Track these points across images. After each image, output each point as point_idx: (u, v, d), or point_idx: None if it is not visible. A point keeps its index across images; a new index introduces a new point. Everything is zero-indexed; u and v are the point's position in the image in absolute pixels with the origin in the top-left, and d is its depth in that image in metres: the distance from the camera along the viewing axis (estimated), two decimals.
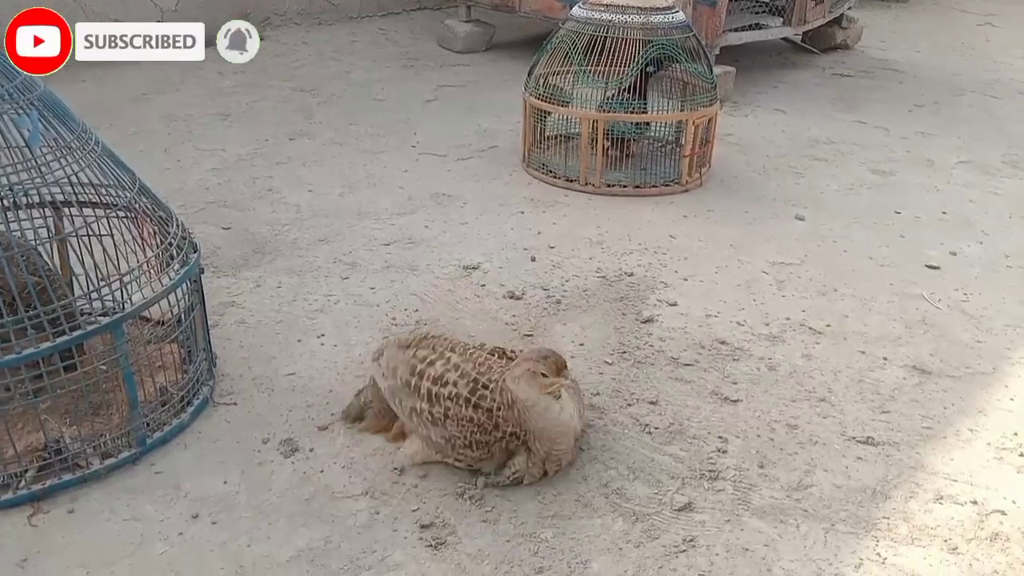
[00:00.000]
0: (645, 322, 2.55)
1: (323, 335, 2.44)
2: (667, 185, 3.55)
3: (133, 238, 2.00)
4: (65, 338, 1.76)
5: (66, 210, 2.00)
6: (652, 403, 2.17)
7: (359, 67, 5.36)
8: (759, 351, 2.43)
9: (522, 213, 3.32)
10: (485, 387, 1.82)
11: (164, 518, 1.77)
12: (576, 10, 3.58)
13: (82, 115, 2.03)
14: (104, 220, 1.99)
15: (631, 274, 2.84)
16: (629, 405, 2.17)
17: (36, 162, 1.78)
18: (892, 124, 4.57)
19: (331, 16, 6.40)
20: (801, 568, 1.69)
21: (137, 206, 2.00)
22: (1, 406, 1.87)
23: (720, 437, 2.06)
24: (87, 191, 1.98)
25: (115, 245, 1.97)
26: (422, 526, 1.76)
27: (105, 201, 2.01)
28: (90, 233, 1.95)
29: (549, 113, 3.63)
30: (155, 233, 2.01)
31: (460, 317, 2.55)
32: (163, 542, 1.71)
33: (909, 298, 2.76)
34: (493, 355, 1.92)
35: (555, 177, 3.60)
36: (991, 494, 1.90)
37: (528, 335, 2.47)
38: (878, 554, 1.73)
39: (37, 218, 2.01)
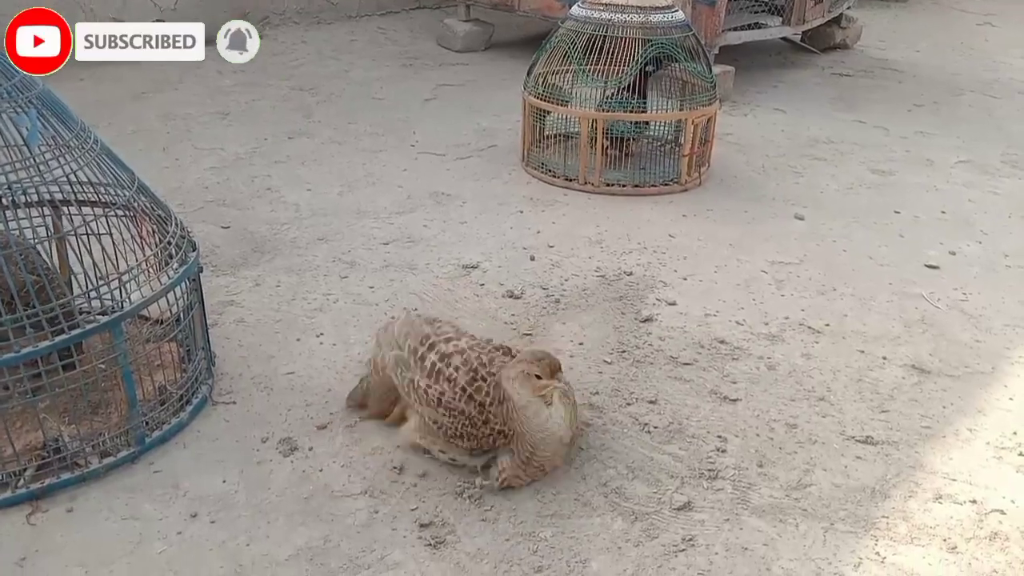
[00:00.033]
0: (644, 321, 2.55)
1: (322, 334, 2.44)
2: (666, 184, 3.55)
3: (132, 237, 1.99)
4: (64, 337, 1.76)
5: (65, 209, 2.00)
6: (651, 402, 2.17)
7: (358, 66, 5.36)
8: (758, 350, 2.43)
9: (521, 212, 3.32)
10: (484, 379, 1.83)
11: (163, 517, 1.77)
12: (575, 9, 3.58)
13: (81, 114, 2.03)
14: (103, 219, 1.98)
15: (630, 273, 2.84)
16: (628, 404, 2.17)
17: (35, 160, 1.78)
18: (891, 124, 4.58)
19: (330, 15, 6.40)
20: (800, 567, 1.69)
21: (136, 205, 2.00)
22: (0, 405, 1.86)
23: (719, 436, 2.06)
24: (86, 190, 1.97)
25: (114, 244, 1.97)
26: (421, 525, 1.76)
27: (104, 200, 2.00)
28: (89, 232, 1.95)
29: (548, 112, 3.63)
30: (154, 232, 2.01)
31: (459, 316, 2.55)
32: (162, 541, 1.71)
33: (908, 297, 2.76)
34: (498, 351, 1.92)
35: (554, 176, 3.60)
36: (990, 493, 1.90)
37: (527, 334, 2.46)
38: (877, 553, 1.73)
39: (36, 217, 2.01)
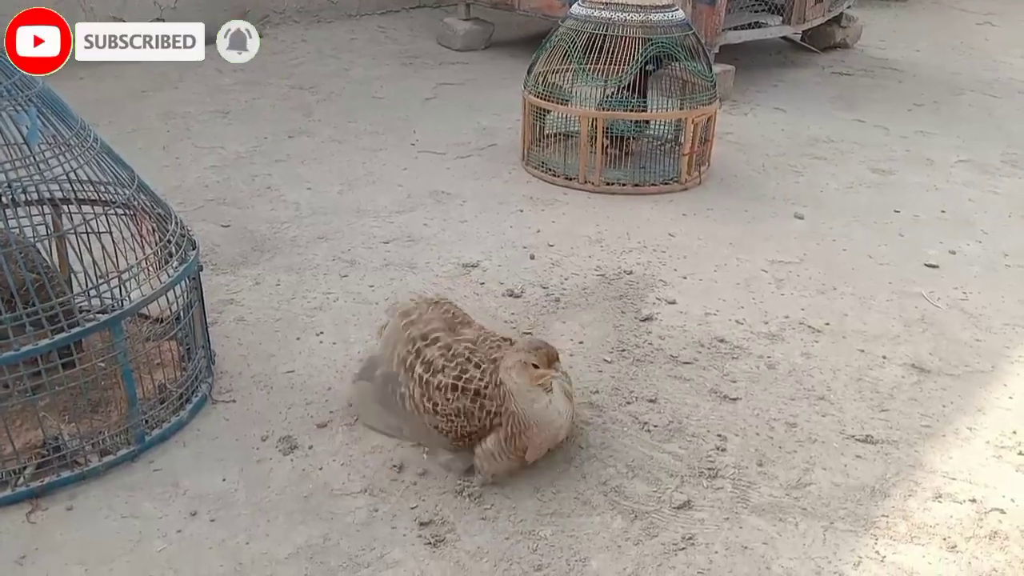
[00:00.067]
0: (644, 320, 2.55)
1: (322, 333, 2.44)
2: (666, 183, 3.55)
3: (132, 235, 1.99)
4: (63, 335, 1.76)
5: (65, 207, 2.00)
6: (651, 401, 2.17)
7: (358, 65, 5.36)
8: (758, 349, 2.43)
9: (521, 211, 3.32)
10: (477, 366, 1.84)
11: (163, 515, 1.77)
12: (575, 8, 3.58)
13: (80, 112, 2.03)
14: (103, 217, 1.98)
15: (630, 272, 2.84)
16: (628, 403, 2.17)
17: (35, 159, 1.78)
18: (891, 123, 4.58)
19: (330, 14, 6.40)
20: (800, 566, 1.69)
21: (136, 203, 2.00)
22: (0, 403, 1.86)
23: (719, 435, 2.06)
24: (86, 188, 1.97)
25: (114, 242, 1.97)
26: (421, 523, 1.76)
27: (104, 198, 2.00)
28: (89, 230, 1.95)
29: (548, 111, 3.63)
30: (154, 230, 2.01)
31: None
32: (162, 539, 1.71)
33: (908, 297, 2.76)
34: (504, 340, 1.94)
35: (554, 175, 3.60)
36: (990, 492, 1.90)
37: (527, 333, 2.46)
38: (877, 552, 1.73)
39: (36, 215, 2.01)
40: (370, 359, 2.11)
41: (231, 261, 2.84)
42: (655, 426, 2.08)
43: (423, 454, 1.94)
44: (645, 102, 3.52)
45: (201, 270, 2.14)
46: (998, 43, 6.62)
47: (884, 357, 2.42)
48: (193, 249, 2.08)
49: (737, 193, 3.56)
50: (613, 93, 3.50)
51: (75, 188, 1.94)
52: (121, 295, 1.93)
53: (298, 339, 2.40)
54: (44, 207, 1.99)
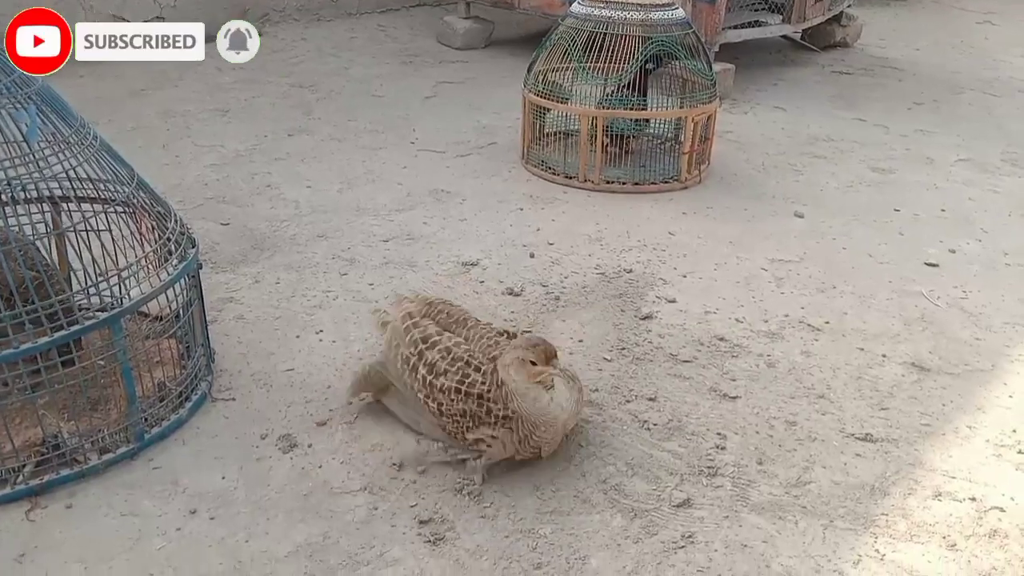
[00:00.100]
0: (644, 319, 2.55)
1: (321, 331, 2.44)
2: (666, 182, 3.55)
3: (131, 233, 1.99)
4: (63, 333, 1.76)
5: (64, 205, 2.00)
6: (651, 399, 2.17)
7: (358, 63, 5.35)
8: (758, 348, 2.43)
9: (521, 210, 3.31)
10: (476, 369, 1.84)
11: (162, 513, 1.76)
12: (575, 6, 3.57)
13: (80, 110, 2.03)
14: (102, 215, 1.98)
15: (630, 271, 2.84)
16: (628, 401, 2.17)
17: (34, 157, 1.78)
18: (891, 122, 4.58)
19: (330, 12, 6.39)
20: (799, 564, 1.69)
21: (135, 201, 2.00)
22: None
23: (719, 433, 2.06)
24: (85, 186, 1.97)
25: (113, 240, 1.97)
26: (420, 522, 1.76)
27: (103, 196, 2.00)
28: (88, 228, 1.95)
29: (548, 110, 3.63)
30: (153, 228, 2.01)
31: None
32: (161, 537, 1.71)
33: (908, 295, 2.76)
34: (502, 335, 1.95)
35: (554, 174, 3.60)
36: (989, 491, 1.90)
37: (527, 332, 2.46)
38: (876, 550, 1.73)
39: (35, 213, 2.00)
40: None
41: (231, 259, 2.84)
42: (655, 424, 2.08)
43: (442, 449, 1.94)
44: (645, 101, 3.52)
45: (200, 268, 2.14)
46: (998, 42, 6.62)
47: (884, 356, 2.41)
48: (192, 247, 2.08)
49: (737, 192, 3.56)
50: (613, 91, 3.50)
51: (74, 186, 1.94)
52: (120, 293, 1.92)
53: (298, 337, 2.40)
54: (43, 205, 1.99)
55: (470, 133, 4.14)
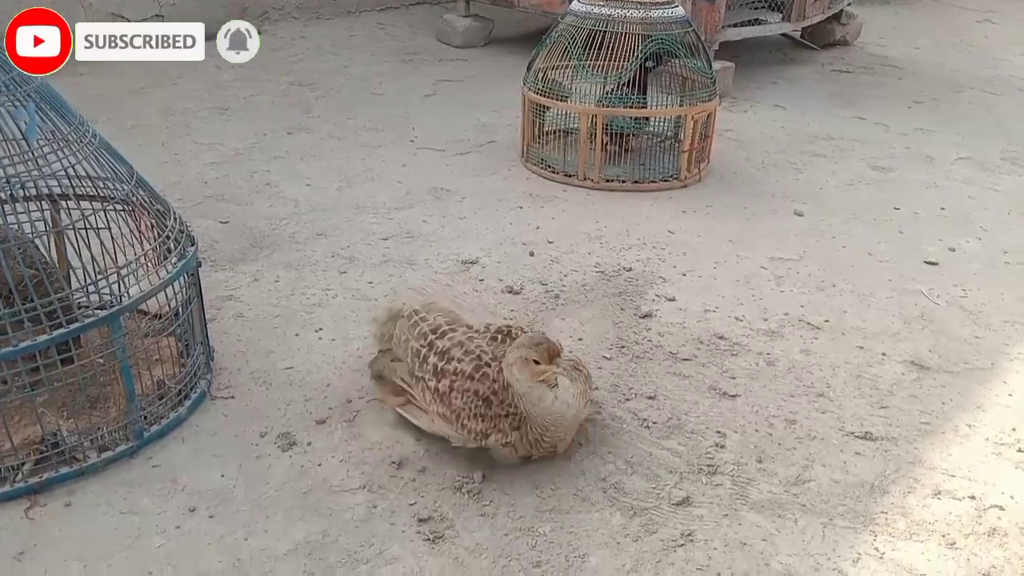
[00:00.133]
0: (643, 317, 2.55)
1: (321, 329, 2.44)
2: (666, 180, 3.55)
3: (131, 231, 1.99)
4: (62, 331, 1.76)
5: (63, 203, 1.99)
6: (650, 398, 2.17)
7: (357, 61, 5.35)
8: (757, 346, 2.43)
9: (520, 208, 3.31)
10: (488, 364, 1.84)
11: (161, 511, 1.76)
12: (575, 4, 3.57)
13: (79, 108, 2.02)
14: (101, 213, 1.98)
15: (630, 269, 2.84)
16: (627, 400, 2.17)
17: (33, 154, 1.77)
18: (891, 120, 4.57)
19: (329, 10, 6.39)
20: (799, 562, 1.69)
21: (135, 199, 2.00)
22: None
23: (718, 432, 2.06)
24: (84, 184, 1.97)
25: (112, 238, 1.96)
26: (420, 520, 1.76)
27: (102, 194, 2.00)
28: (87, 226, 1.94)
29: (548, 108, 3.62)
30: (152, 226, 2.01)
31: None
32: (160, 535, 1.71)
33: (908, 294, 2.76)
34: (498, 334, 1.94)
35: (554, 172, 3.59)
36: (989, 489, 1.90)
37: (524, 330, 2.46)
38: (876, 549, 1.73)
39: (34, 211, 2.00)
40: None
41: (230, 257, 2.84)
42: (654, 423, 2.08)
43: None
44: (645, 99, 3.51)
45: (200, 266, 2.14)
46: (998, 41, 6.61)
47: (883, 354, 2.41)
48: (192, 245, 2.08)
49: (737, 190, 3.56)
50: (613, 90, 3.49)
51: (73, 184, 1.94)
52: (120, 291, 1.92)
53: (297, 335, 2.40)
54: (42, 203, 1.99)
55: (470, 131, 4.14)
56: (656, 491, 1.86)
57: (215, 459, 1.92)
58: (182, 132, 4.01)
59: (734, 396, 2.20)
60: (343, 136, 4.04)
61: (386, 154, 3.83)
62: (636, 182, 3.53)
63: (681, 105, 3.53)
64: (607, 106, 3.47)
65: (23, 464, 1.81)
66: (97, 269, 1.93)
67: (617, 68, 3.43)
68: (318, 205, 3.27)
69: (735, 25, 5.00)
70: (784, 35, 5.94)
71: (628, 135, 3.62)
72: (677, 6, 3.53)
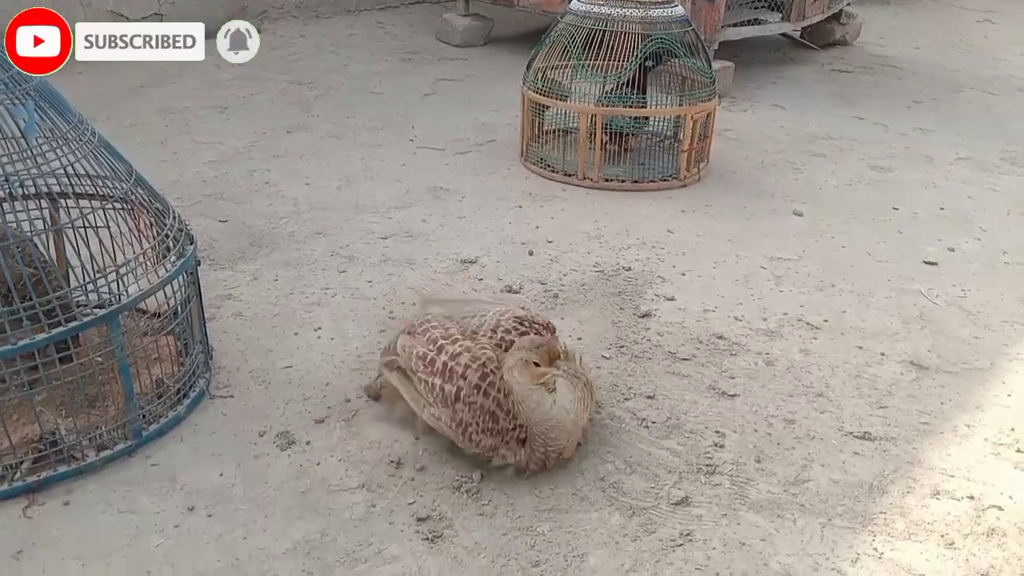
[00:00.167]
0: (643, 316, 2.55)
1: (320, 328, 2.43)
2: (665, 180, 3.55)
3: (129, 230, 1.99)
4: (61, 329, 1.76)
5: (62, 201, 1.99)
6: (649, 397, 2.17)
7: (357, 60, 5.35)
8: (757, 346, 2.43)
9: (520, 207, 3.31)
10: (493, 372, 1.82)
11: (160, 510, 1.76)
12: (575, 4, 3.57)
13: (78, 107, 2.02)
14: (100, 211, 1.97)
15: (629, 269, 2.84)
16: (626, 399, 2.16)
17: (32, 152, 1.77)
18: (891, 120, 4.57)
19: (329, 9, 6.38)
20: (798, 562, 1.69)
21: (133, 197, 1.99)
22: None
23: (717, 431, 2.06)
24: (83, 182, 1.96)
25: (111, 236, 1.96)
26: (419, 519, 1.75)
27: (101, 192, 2.00)
28: (86, 224, 1.94)
29: (547, 107, 3.62)
30: (151, 225, 2.00)
31: None
32: (159, 534, 1.70)
33: (907, 294, 2.76)
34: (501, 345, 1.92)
35: (553, 171, 3.59)
36: (988, 489, 1.90)
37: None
38: (875, 549, 1.73)
39: (33, 209, 2.00)
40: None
41: (229, 256, 2.84)
42: (653, 422, 2.08)
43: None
44: (644, 98, 3.51)
45: (199, 265, 2.14)
46: (997, 41, 6.61)
47: (882, 354, 2.41)
48: (191, 244, 2.08)
49: (736, 190, 3.56)
50: (612, 89, 3.49)
51: (72, 182, 1.93)
52: (118, 290, 1.92)
53: (296, 334, 2.40)
54: (41, 201, 1.99)
55: (469, 130, 4.14)
56: (655, 491, 1.86)
57: (214, 458, 1.92)
58: (181, 131, 4.00)
59: (733, 396, 2.20)
60: (342, 135, 4.03)
61: (385, 153, 3.83)
62: (635, 182, 3.53)
63: (680, 105, 3.53)
64: (606, 105, 3.47)
65: (21, 463, 1.81)
66: (96, 268, 1.93)
67: (617, 67, 3.42)
68: (317, 204, 3.27)
69: (735, 25, 5.00)
70: (784, 35, 5.94)
71: (627, 134, 3.61)
72: (677, 5, 3.53)
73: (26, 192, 1.93)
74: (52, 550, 1.66)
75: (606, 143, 3.55)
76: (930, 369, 2.35)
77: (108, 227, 1.98)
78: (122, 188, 1.97)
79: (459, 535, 1.73)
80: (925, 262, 2.98)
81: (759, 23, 5.20)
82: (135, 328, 2.17)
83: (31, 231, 1.98)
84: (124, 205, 1.99)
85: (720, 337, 2.46)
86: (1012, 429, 2.12)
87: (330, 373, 2.23)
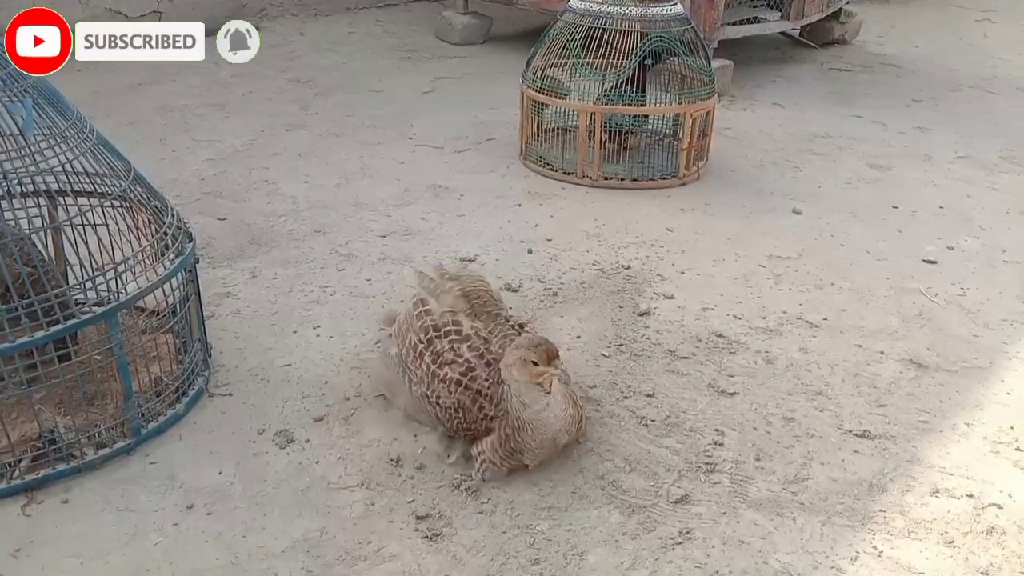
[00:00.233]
0: (642, 315, 2.55)
1: (319, 326, 2.43)
2: (664, 178, 3.54)
3: (128, 227, 1.98)
4: (59, 327, 1.75)
5: (60, 199, 1.99)
6: (649, 396, 2.17)
7: (356, 58, 5.34)
8: (756, 344, 2.43)
9: (519, 206, 3.31)
10: (488, 364, 1.85)
11: (159, 508, 1.76)
12: (574, 2, 3.56)
13: (77, 105, 2.02)
14: (99, 209, 1.97)
15: (628, 267, 2.84)
16: (626, 397, 2.16)
17: (30, 150, 1.77)
18: (890, 119, 4.57)
19: (328, 7, 6.37)
20: (797, 561, 1.69)
21: (132, 195, 1.99)
22: None
23: (717, 430, 2.06)
24: (81, 180, 1.96)
25: (110, 234, 1.96)
26: (418, 517, 1.75)
27: (100, 190, 1.99)
28: (84, 222, 1.94)
29: (547, 105, 3.62)
30: (150, 222, 2.00)
31: None
32: (157, 532, 1.70)
33: (906, 292, 2.76)
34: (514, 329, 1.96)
35: (552, 170, 3.59)
36: (987, 488, 1.90)
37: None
38: (874, 547, 1.73)
39: (31, 207, 1.99)
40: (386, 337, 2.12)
41: (228, 254, 2.83)
42: (653, 420, 2.08)
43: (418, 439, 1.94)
44: (644, 96, 3.51)
45: (197, 263, 2.14)
46: (997, 40, 6.61)
47: (882, 352, 2.41)
48: (189, 242, 2.07)
49: (735, 188, 3.56)
50: (612, 87, 3.49)
51: (71, 180, 1.93)
52: (117, 287, 1.92)
53: (295, 332, 2.40)
54: (40, 199, 1.98)
55: (468, 129, 4.13)
56: (654, 489, 1.86)
57: (213, 456, 1.91)
58: (180, 129, 4.00)
59: (732, 394, 2.20)
60: (341, 133, 4.03)
61: (384, 151, 3.82)
62: (635, 180, 3.52)
63: (680, 103, 3.52)
64: (606, 104, 3.46)
65: (20, 461, 1.81)
66: (94, 265, 1.93)
67: (616, 66, 3.42)
68: (316, 202, 3.27)
69: (734, 23, 5.00)
70: (783, 33, 5.93)
71: (627, 133, 3.61)
72: (676, 4, 3.53)
73: (24, 190, 1.92)
74: (51, 548, 1.66)
75: (605, 141, 3.54)
76: (929, 367, 2.35)
77: (106, 225, 1.98)
78: (120, 186, 1.97)
79: (458, 533, 1.72)
80: (924, 260, 2.98)
81: (758, 21, 5.19)
82: (134, 326, 2.17)
83: (29, 229, 1.97)
84: (122, 203, 1.99)
85: (719, 335, 2.46)
86: (1011, 427, 2.12)
87: (329, 371, 2.23)
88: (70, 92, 2.12)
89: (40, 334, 1.74)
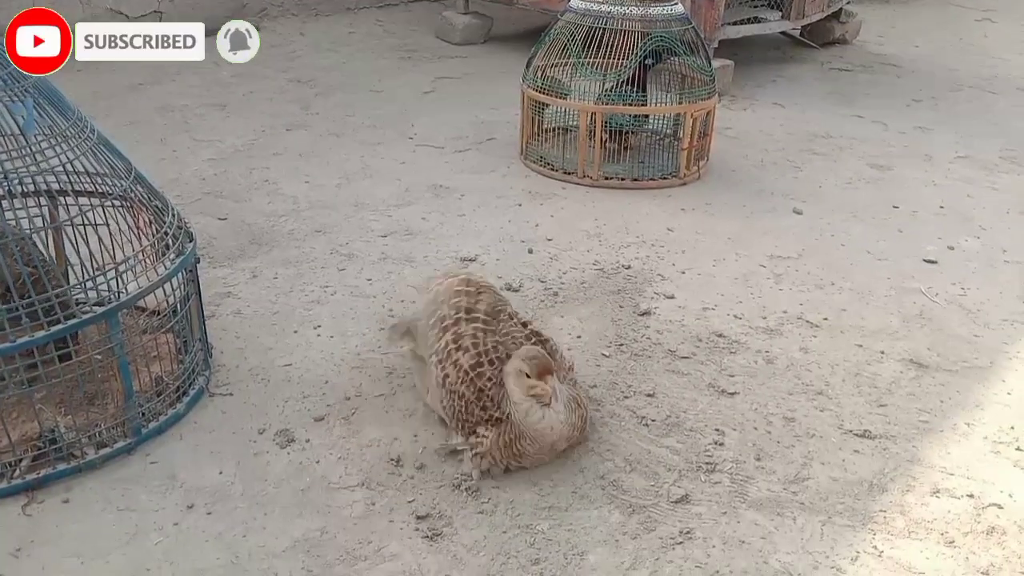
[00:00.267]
0: (642, 315, 2.55)
1: (319, 326, 2.43)
2: (665, 178, 3.54)
3: (128, 227, 1.98)
4: (60, 327, 1.75)
5: (61, 198, 1.99)
6: (649, 395, 2.17)
7: (356, 58, 5.34)
8: (756, 344, 2.43)
9: (520, 205, 3.31)
10: (491, 363, 1.85)
11: (159, 508, 1.76)
12: (574, 2, 3.56)
13: (77, 104, 2.02)
14: (99, 209, 1.97)
15: (628, 267, 2.84)
16: (626, 397, 2.16)
17: (31, 150, 1.77)
18: (890, 119, 4.57)
19: (328, 7, 6.37)
20: (798, 561, 1.69)
21: (133, 195, 1.99)
22: None
23: (717, 430, 2.06)
24: (82, 179, 1.96)
25: (110, 234, 1.96)
26: (418, 517, 1.75)
27: (100, 190, 1.99)
28: (85, 222, 1.94)
29: (547, 105, 3.62)
30: (151, 222, 2.00)
31: None
32: (158, 532, 1.70)
33: (907, 292, 2.76)
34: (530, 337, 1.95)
35: (553, 169, 3.59)
36: (988, 488, 1.90)
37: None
38: (875, 547, 1.73)
39: (32, 207, 1.99)
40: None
41: (228, 254, 2.83)
42: (653, 420, 2.08)
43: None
44: (644, 96, 3.51)
45: (198, 262, 2.14)
46: (997, 39, 6.61)
47: (882, 352, 2.41)
48: (190, 241, 2.08)
49: (736, 188, 3.56)
50: (612, 87, 3.49)
51: (72, 180, 1.93)
52: (118, 287, 1.92)
53: (295, 332, 2.40)
54: (40, 199, 1.98)
55: (468, 128, 4.13)
56: (655, 489, 1.86)
57: (213, 456, 1.91)
58: (180, 129, 4.00)
59: (733, 394, 2.20)
60: (342, 133, 4.03)
61: (385, 151, 3.82)
62: (635, 180, 3.52)
63: (680, 103, 3.52)
64: (606, 103, 3.46)
65: (21, 460, 1.81)
66: (95, 265, 1.93)
67: (616, 65, 3.42)
68: (317, 202, 3.27)
69: (734, 23, 5.00)
70: (783, 33, 5.93)
71: (627, 133, 3.61)
72: (677, 3, 3.53)
73: (25, 189, 1.92)
74: (51, 548, 1.66)
75: (606, 141, 3.54)
76: (930, 367, 2.35)
77: (107, 224, 1.97)
78: (121, 185, 1.97)
79: (459, 533, 1.72)
80: (925, 260, 2.98)
81: (759, 21, 5.19)
82: (134, 326, 2.17)
83: (30, 229, 1.97)
84: (123, 202, 1.99)
85: (720, 335, 2.46)
86: (1012, 427, 2.12)
87: (330, 371, 2.23)
88: (70, 92, 2.12)
89: (41, 334, 1.74)
